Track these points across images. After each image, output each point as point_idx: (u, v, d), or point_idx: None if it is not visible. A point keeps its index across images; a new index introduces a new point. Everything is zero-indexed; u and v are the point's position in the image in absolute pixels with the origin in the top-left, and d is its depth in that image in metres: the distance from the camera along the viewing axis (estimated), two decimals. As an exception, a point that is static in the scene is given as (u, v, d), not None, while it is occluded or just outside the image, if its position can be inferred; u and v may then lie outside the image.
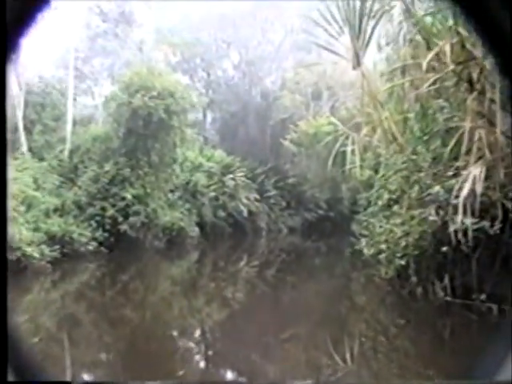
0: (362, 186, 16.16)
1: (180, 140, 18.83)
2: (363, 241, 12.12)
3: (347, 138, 18.24)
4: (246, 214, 26.38)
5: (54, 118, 20.98)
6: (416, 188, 9.74)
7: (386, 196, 11.24)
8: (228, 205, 25.58)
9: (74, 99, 22.30)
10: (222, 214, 24.78)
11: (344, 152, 18.41)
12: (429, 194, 9.42)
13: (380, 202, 11.51)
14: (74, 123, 20.52)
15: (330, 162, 18.82)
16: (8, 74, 1.13)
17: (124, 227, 17.90)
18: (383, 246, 10.08)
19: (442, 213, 8.76)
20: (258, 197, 28.11)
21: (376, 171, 15.27)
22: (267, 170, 30.26)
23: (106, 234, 17.66)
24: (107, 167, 18.08)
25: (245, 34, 31.94)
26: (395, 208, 10.89)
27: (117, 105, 18.33)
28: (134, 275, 17.08)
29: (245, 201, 26.77)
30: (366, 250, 10.97)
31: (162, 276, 17.84)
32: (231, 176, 26.31)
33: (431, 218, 8.70)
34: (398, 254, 9.76)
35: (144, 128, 18.02)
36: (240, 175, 27.29)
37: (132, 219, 18.04)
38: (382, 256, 10.27)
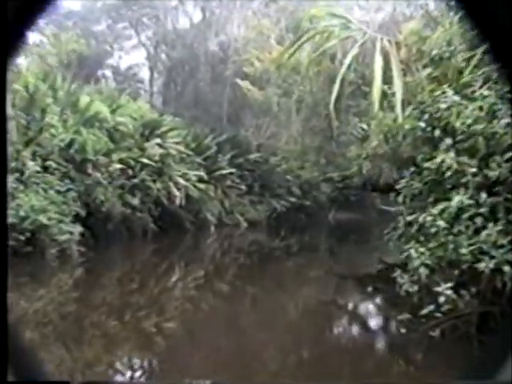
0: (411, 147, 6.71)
1: None
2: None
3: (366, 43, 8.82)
4: (182, 201, 16.93)
5: None
6: None
7: None
8: (151, 186, 15.89)
9: None
10: (135, 201, 14.98)
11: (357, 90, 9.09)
12: None
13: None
14: None
15: (330, 106, 9.15)
16: (8, 74, 1.13)
17: None
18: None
19: None
20: (204, 176, 18.73)
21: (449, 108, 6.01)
22: (223, 142, 21.12)
23: None
24: None
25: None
26: None
27: None
28: None
29: (181, 181, 17.21)
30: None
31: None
32: (158, 141, 16.41)
33: None
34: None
35: None
36: (175, 141, 17.56)
37: None
38: None
